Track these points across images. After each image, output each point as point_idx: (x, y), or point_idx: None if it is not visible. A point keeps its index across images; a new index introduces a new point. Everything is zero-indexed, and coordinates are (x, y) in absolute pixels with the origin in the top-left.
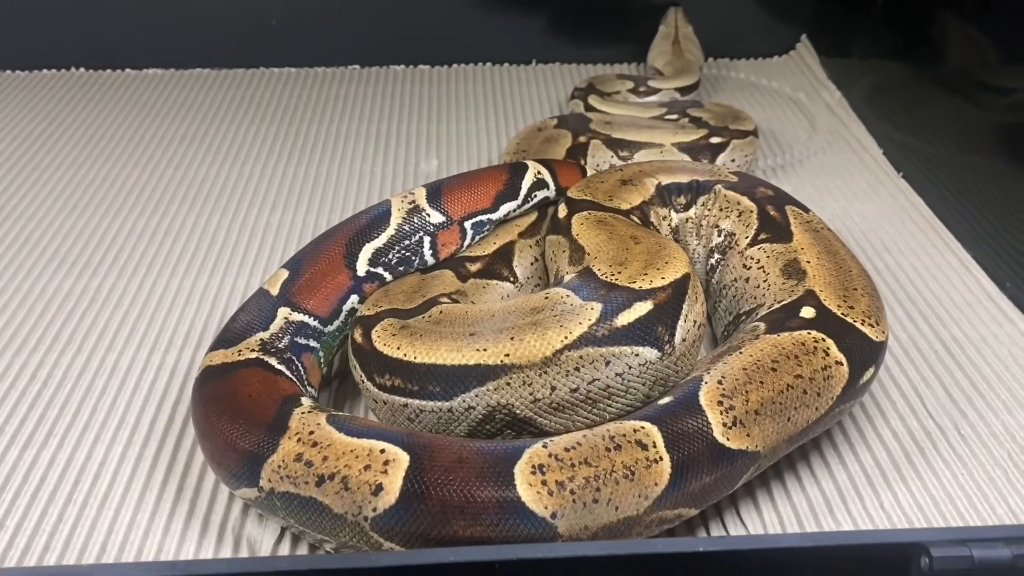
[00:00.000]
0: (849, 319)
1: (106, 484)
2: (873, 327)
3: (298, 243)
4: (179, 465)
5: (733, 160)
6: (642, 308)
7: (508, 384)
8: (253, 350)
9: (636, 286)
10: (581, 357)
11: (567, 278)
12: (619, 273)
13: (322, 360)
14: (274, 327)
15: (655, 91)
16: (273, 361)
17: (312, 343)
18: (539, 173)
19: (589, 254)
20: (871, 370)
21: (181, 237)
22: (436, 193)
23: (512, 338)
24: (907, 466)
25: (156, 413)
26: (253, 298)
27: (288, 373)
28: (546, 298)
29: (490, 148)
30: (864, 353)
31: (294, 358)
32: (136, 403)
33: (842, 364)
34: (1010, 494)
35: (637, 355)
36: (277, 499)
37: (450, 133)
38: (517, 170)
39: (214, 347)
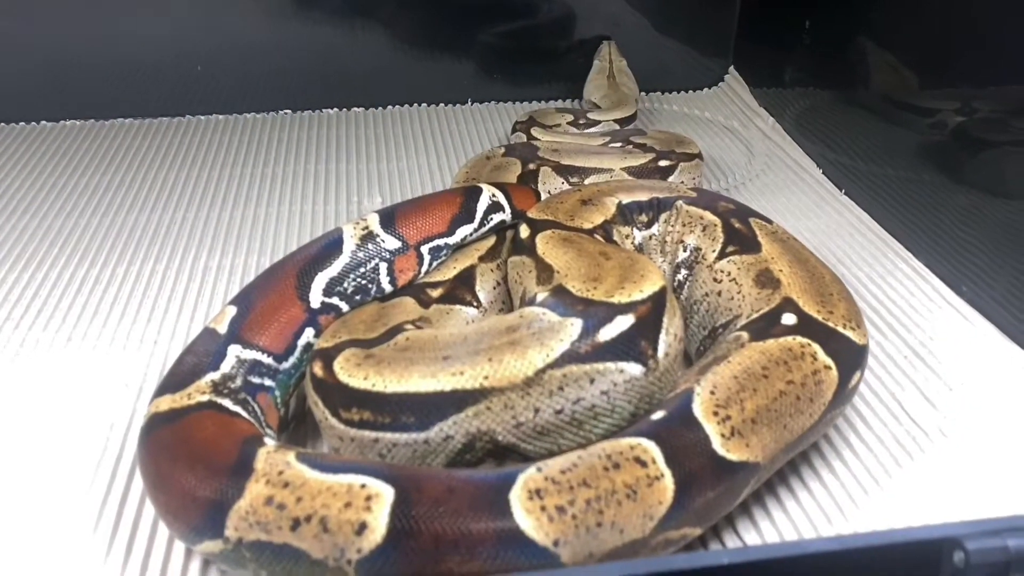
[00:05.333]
0: (831, 324)
1: (42, 555)
2: (855, 330)
3: (240, 284)
4: (125, 525)
5: (682, 182)
6: (624, 322)
7: (489, 409)
8: (204, 392)
9: (615, 300)
10: (564, 376)
11: (540, 297)
12: (594, 289)
13: (279, 400)
14: (225, 367)
15: (595, 123)
16: (227, 403)
17: (267, 382)
18: (494, 196)
19: (559, 272)
20: (858, 374)
21: (112, 285)
22: (389, 218)
23: (490, 359)
24: (898, 470)
25: (95, 470)
26: (199, 338)
27: (245, 415)
28: (520, 317)
29: (433, 184)
30: (850, 356)
31: (249, 399)
32: (71, 462)
33: (831, 368)
34: (1006, 488)
35: (622, 371)
36: (246, 550)
37: (391, 172)
38: (471, 193)
39: (159, 393)
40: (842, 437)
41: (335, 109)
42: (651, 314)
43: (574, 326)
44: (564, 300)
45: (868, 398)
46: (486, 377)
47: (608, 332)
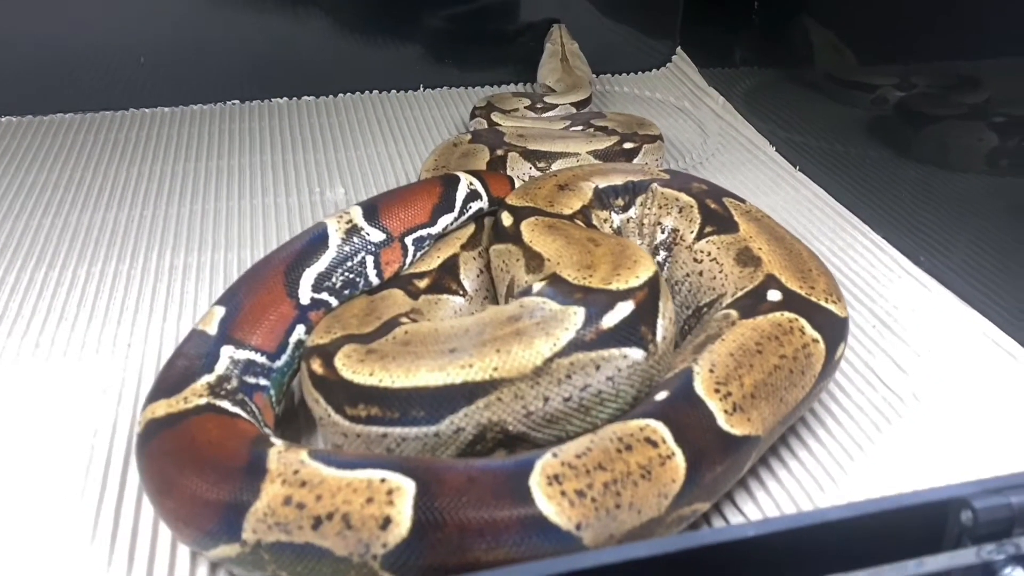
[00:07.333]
0: (813, 298)
1: (42, 569)
2: (836, 303)
3: (209, 281)
4: (124, 532)
5: (647, 164)
6: (624, 308)
7: (499, 399)
8: (201, 395)
9: (613, 287)
10: (572, 364)
11: (537, 287)
12: (590, 276)
13: (274, 399)
14: (220, 368)
15: (552, 107)
16: (226, 404)
17: (262, 381)
18: (472, 184)
19: (549, 260)
20: (842, 345)
21: (75, 288)
22: (372, 211)
23: (498, 350)
24: (879, 436)
25: (84, 479)
26: (188, 340)
27: (244, 415)
28: (521, 307)
29: (395, 172)
30: (834, 329)
31: (247, 399)
32: (59, 472)
33: (818, 341)
34: (984, 446)
35: (625, 357)
36: (265, 551)
37: (350, 160)
38: (450, 182)
39: (152, 398)
40: (824, 407)
41: (285, 98)
42: (648, 299)
43: (577, 314)
44: (562, 289)
45: (844, 368)
46: (495, 368)
47: (611, 319)
